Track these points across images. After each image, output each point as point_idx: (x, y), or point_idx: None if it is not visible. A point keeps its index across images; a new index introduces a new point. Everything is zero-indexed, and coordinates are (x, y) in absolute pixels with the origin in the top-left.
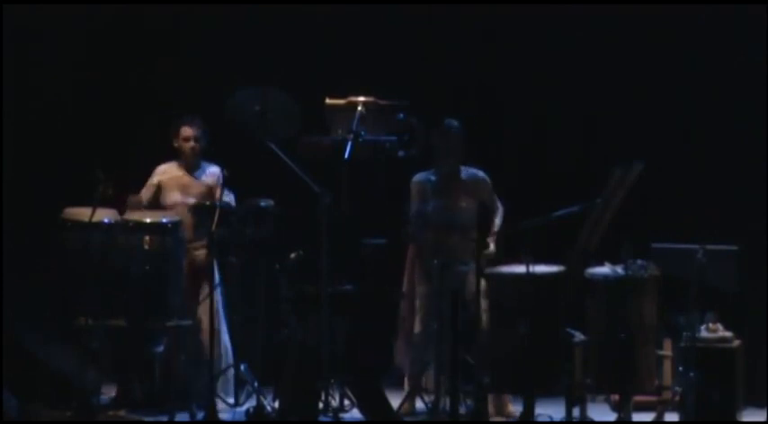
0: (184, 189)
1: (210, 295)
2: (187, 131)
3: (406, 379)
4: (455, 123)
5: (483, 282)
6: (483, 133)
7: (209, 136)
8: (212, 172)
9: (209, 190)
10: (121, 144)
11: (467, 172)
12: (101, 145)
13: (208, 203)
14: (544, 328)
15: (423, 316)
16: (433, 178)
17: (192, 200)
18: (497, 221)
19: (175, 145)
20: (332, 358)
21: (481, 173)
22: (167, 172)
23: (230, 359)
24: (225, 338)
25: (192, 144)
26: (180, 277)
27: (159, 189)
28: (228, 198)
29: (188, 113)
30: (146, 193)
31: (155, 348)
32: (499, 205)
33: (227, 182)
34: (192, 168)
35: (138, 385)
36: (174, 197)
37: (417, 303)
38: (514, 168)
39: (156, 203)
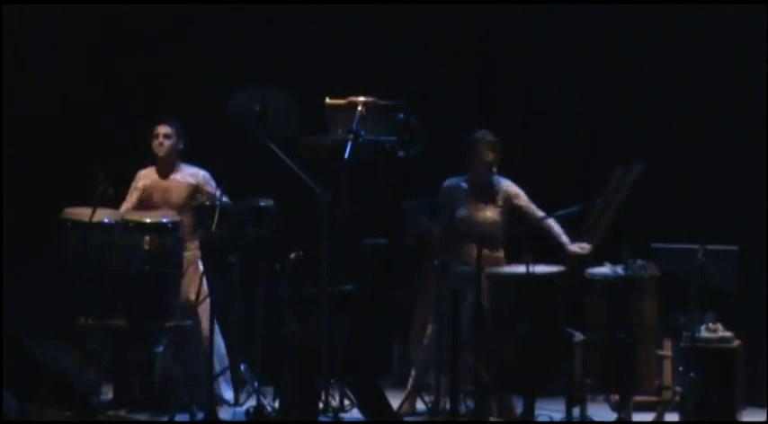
0: (165, 193)
1: (211, 295)
2: (160, 129)
3: (411, 379)
4: (483, 133)
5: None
6: None
7: (184, 138)
8: (193, 173)
9: (193, 190)
10: (121, 144)
11: (499, 182)
12: (101, 145)
13: (207, 203)
14: (544, 328)
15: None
16: (464, 185)
17: (174, 203)
18: (556, 229)
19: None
20: (332, 358)
21: (513, 186)
22: (148, 176)
23: (225, 362)
24: (218, 339)
25: (160, 140)
26: (180, 277)
27: (144, 193)
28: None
29: (166, 113)
30: (130, 199)
31: (155, 348)
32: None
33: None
34: (168, 170)
35: (138, 385)
36: (156, 201)
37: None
38: (515, 168)
39: (141, 208)
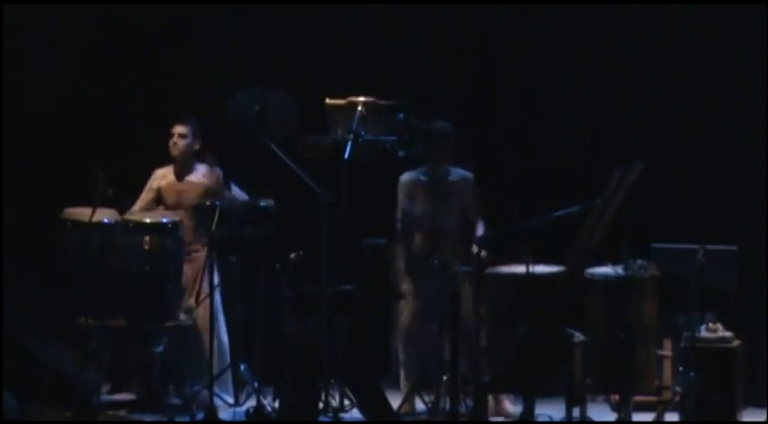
0: (180, 195)
1: (210, 295)
2: (176, 129)
3: (401, 379)
4: (444, 125)
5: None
6: (483, 133)
7: (201, 138)
8: (207, 173)
9: (208, 191)
10: (121, 144)
11: (456, 173)
12: (100, 145)
13: (208, 203)
14: (544, 328)
15: (408, 314)
16: (422, 178)
17: (187, 205)
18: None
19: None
20: (332, 358)
21: (469, 175)
22: (165, 176)
23: (227, 359)
24: (224, 338)
25: (175, 140)
26: (180, 277)
27: (159, 193)
28: (239, 194)
29: (185, 114)
30: (145, 197)
31: (155, 348)
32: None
33: (227, 179)
34: (184, 171)
35: (138, 385)
36: (171, 202)
37: (404, 300)
38: (515, 168)
39: (155, 207)
